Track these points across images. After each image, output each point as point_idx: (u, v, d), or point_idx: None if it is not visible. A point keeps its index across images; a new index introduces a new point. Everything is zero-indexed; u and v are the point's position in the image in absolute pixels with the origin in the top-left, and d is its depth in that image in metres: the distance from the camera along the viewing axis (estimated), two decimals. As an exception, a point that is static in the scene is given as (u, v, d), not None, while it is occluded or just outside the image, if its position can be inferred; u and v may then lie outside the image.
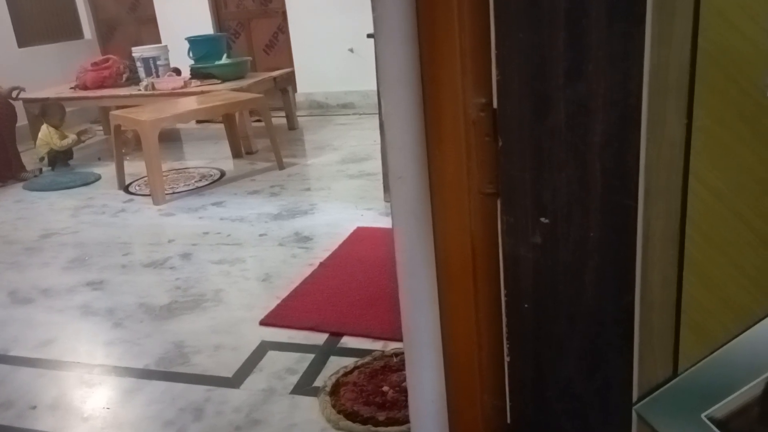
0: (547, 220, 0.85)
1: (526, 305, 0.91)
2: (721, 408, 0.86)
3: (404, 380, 1.81)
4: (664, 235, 0.81)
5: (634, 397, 0.91)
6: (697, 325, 0.84)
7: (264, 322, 2.24)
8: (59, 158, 4.61)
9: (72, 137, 4.61)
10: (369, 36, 3.02)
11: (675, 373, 0.88)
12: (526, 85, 0.81)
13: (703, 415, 0.88)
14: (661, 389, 0.90)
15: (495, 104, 0.85)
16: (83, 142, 4.76)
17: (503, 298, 0.92)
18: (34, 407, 1.89)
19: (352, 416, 1.69)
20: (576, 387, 0.92)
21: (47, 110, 4.64)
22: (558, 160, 0.82)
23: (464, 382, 1.02)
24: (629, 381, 0.89)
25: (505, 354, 0.95)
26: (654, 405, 0.91)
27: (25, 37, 5.82)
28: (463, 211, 0.93)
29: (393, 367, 1.88)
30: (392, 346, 1.99)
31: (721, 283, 0.81)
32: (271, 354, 2.05)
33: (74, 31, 6.45)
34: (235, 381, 1.92)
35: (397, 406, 1.71)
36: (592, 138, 0.80)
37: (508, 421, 1.00)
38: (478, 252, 0.94)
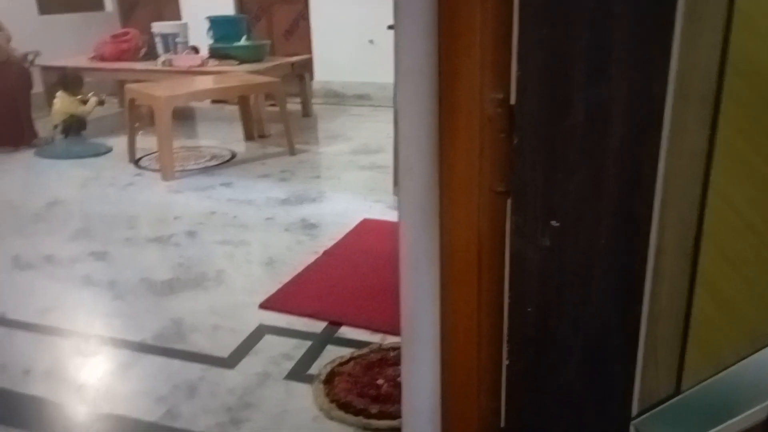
0: (557, 223, 0.83)
1: (529, 309, 0.89)
2: (723, 431, 0.84)
3: (399, 375, 1.80)
4: (677, 247, 0.79)
5: (634, 412, 0.89)
6: (704, 342, 0.82)
7: (263, 306, 2.23)
8: (73, 128, 4.61)
9: (93, 99, 4.60)
10: (389, 27, 3.00)
11: (678, 390, 0.86)
12: (545, 83, 0.79)
13: (702, 435, 0.86)
14: (662, 406, 0.88)
15: (512, 101, 0.83)
16: (103, 104, 4.74)
17: (506, 300, 0.91)
18: (28, 372, 1.89)
19: (344, 407, 1.68)
20: (574, 396, 0.91)
21: (67, 80, 4.64)
22: (573, 162, 0.80)
23: (461, 382, 1.01)
24: (629, 394, 0.88)
25: (504, 357, 0.94)
26: (653, 422, 0.89)
27: (46, 5, 5.81)
28: (471, 208, 0.91)
29: (389, 360, 1.87)
30: (390, 339, 1.97)
31: (732, 300, 0.79)
32: (269, 338, 2.04)
33: (96, 3, 6.45)
34: (230, 362, 1.91)
35: (390, 400, 1.70)
36: (609, 142, 0.78)
37: (502, 424, 0.99)
38: (484, 251, 0.92)
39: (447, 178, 0.92)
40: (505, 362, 0.96)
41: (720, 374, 0.83)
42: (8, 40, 4.43)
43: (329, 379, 1.80)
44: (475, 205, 0.90)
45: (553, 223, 0.84)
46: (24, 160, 4.19)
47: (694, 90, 0.74)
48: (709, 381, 0.85)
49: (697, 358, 0.84)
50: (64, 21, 5.92)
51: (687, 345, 0.84)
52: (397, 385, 1.75)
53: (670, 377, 0.86)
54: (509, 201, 0.87)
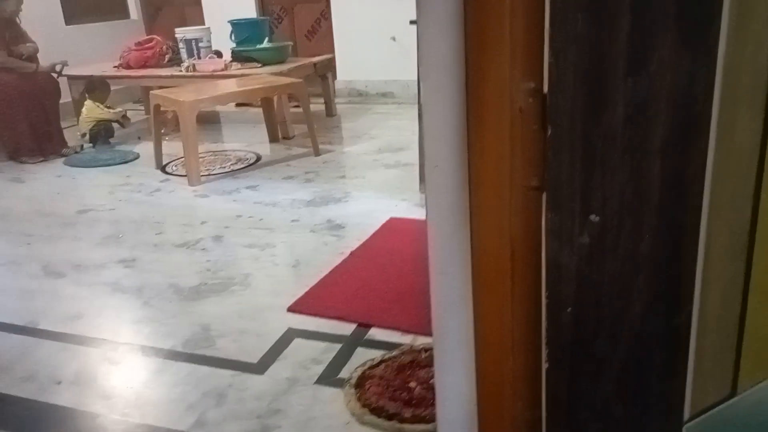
0: (597, 218, 0.78)
1: (568, 310, 0.84)
2: (781, 436, 0.78)
3: (432, 377, 1.75)
4: (728, 250, 0.73)
5: (686, 416, 0.83)
6: (760, 351, 0.76)
7: (291, 309, 2.20)
8: (101, 135, 4.66)
9: (119, 109, 4.66)
10: (412, 23, 2.95)
11: (732, 393, 0.80)
12: (582, 70, 0.73)
13: (759, 443, 0.80)
14: (714, 410, 0.82)
15: (545, 90, 0.77)
16: (125, 125, 4.83)
17: (544, 301, 0.85)
18: (58, 382, 1.88)
19: (377, 411, 1.64)
20: (617, 407, 0.85)
21: (94, 86, 4.70)
22: (613, 154, 0.75)
23: (497, 389, 0.96)
24: (679, 405, 0.82)
25: (543, 361, 0.88)
26: (705, 427, 0.83)
27: (72, 15, 5.89)
28: (503, 206, 0.86)
29: (421, 362, 1.83)
30: (421, 340, 1.93)
31: (790, 302, 0.72)
32: (297, 342, 2.01)
33: (121, 11, 6.52)
34: (259, 367, 1.88)
35: (423, 404, 1.65)
36: (652, 139, 0.72)
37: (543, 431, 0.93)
38: (517, 251, 0.87)
39: (476, 175, 0.87)
40: (545, 366, 0.90)
41: (777, 377, 0.77)
42: (36, 51, 4.49)
43: (360, 383, 1.76)
44: (507, 203, 0.85)
45: (593, 218, 0.78)
46: (53, 168, 4.24)
47: (743, 83, 0.68)
48: (766, 382, 0.79)
49: (752, 369, 0.78)
50: (90, 30, 5.99)
51: (741, 355, 0.78)
52: (430, 388, 1.70)
53: (724, 385, 0.80)
54: (544, 197, 0.82)
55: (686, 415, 0.84)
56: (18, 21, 4.48)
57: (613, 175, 0.74)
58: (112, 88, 4.99)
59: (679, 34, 0.67)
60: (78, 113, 4.78)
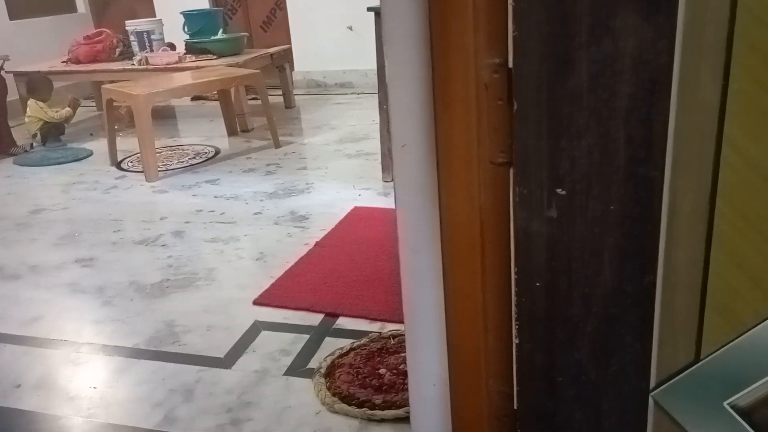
0: (563, 192, 0.78)
1: (537, 284, 0.85)
2: (746, 396, 0.80)
3: (402, 363, 1.75)
4: (692, 210, 0.74)
5: (652, 383, 0.85)
6: (723, 308, 0.78)
7: (258, 302, 2.17)
8: (51, 133, 4.51)
9: (66, 110, 4.50)
10: (369, 9, 2.93)
11: (697, 359, 0.81)
12: (545, 42, 0.74)
13: (725, 403, 0.82)
14: (681, 375, 0.84)
15: (510, 64, 0.77)
16: (77, 107, 4.64)
17: (513, 276, 0.86)
18: (19, 386, 1.82)
19: (347, 399, 1.63)
20: (589, 372, 0.86)
21: (34, 85, 4.53)
22: (578, 126, 0.75)
23: (468, 366, 0.96)
24: (647, 367, 0.83)
25: (514, 336, 0.89)
26: (673, 392, 0.85)
27: (16, 10, 5.68)
28: (471, 182, 0.86)
29: (390, 349, 1.83)
30: (389, 327, 1.93)
31: (752, 263, 0.74)
32: (265, 334, 1.99)
33: (67, 5, 6.32)
34: (227, 362, 1.86)
35: (394, 389, 1.65)
36: (616, 102, 0.73)
37: (515, 406, 0.94)
38: (486, 226, 0.87)
39: (444, 152, 0.87)
40: (515, 341, 0.91)
41: (740, 338, 0.79)
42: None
43: (330, 372, 1.75)
44: (476, 179, 0.85)
45: (560, 191, 0.79)
46: (3, 168, 4.09)
47: (704, 39, 0.69)
48: (728, 346, 0.81)
49: (716, 325, 0.80)
50: (36, 25, 5.79)
51: (705, 312, 0.80)
52: (400, 374, 1.71)
53: (689, 346, 0.82)
54: (511, 172, 0.82)
55: (653, 381, 0.86)
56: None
57: (579, 141, 0.75)
58: (61, 84, 4.83)
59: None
60: (25, 111, 4.61)
